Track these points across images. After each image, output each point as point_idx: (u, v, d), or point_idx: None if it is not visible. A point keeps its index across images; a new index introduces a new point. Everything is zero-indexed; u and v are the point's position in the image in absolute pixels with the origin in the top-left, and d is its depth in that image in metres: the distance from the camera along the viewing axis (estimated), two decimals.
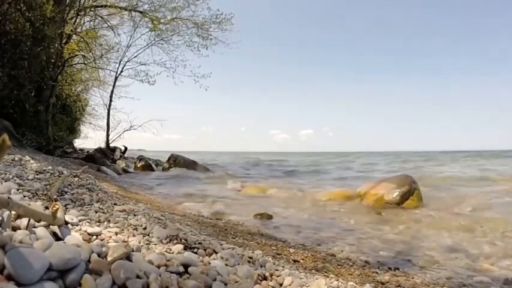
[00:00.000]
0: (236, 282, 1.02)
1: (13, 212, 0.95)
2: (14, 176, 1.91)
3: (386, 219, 3.76)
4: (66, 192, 1.83)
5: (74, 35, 10.14)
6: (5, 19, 6.26)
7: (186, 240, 1.36)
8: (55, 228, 1.04)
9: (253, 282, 1.08)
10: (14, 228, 0.93)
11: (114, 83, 13.11)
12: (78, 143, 15.63)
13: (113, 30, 11.21)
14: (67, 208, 1.52)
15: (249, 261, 1.36)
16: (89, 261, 0.82)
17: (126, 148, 13.40)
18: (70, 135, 13.42)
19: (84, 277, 0.72)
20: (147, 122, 13.19)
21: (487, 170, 10.93)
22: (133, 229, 1.39)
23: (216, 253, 1.33)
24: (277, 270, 1.33)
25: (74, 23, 9.84)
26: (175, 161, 10.35)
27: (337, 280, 1.44)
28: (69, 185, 2.08)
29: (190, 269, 0.98)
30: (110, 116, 13.05)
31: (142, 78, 12.53)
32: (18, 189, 1.60)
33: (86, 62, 11.40)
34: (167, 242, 1.32)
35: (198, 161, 11.45)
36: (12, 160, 2.67)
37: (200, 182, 7.62)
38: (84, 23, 10.95)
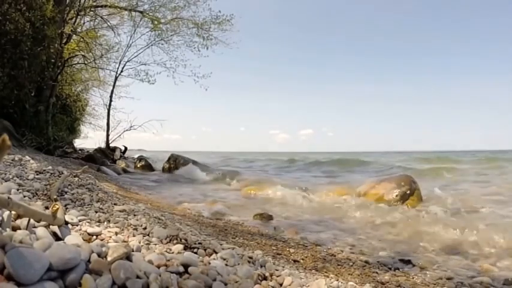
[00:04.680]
0: (236, 282, 1.02)
1: (13, 212, 0.95)
2: (14, 176, 1.91)
3: (386, 219, 3.75)
4: (66, 192, 1.83)
5: (74, 35, 10.12)
6: (5, 19, 6.26)
7: (186, 240, 1.36)
8: (55, 228, 1.04)
9: (253, 282, 1.08)
10: (14, 228, 0.93)
11: (114, 82, 13.12)
12: (78, 143, 15.63)
13: (113, 30, 11.20)
14: (67, 208, 1.52)
15: (249, 261, 1.36)
16: (89, 261, 0.82)
17: (126, 148, 13.40)
18: (70, 135, 13.40)
19: (84, 277, 0.73)
20: (147, 122, 13.19)
21: (488, 169, 10.91)
22: (134, 229, 1.39)
23: (216, 253, 1.33)
24: (277, 270, 1.33)
25: (74, 23, 9.83)
26: (176, 161, 10.34)
27: (337, 280, 1.44)
28: (69, 185, 2.08)
29: (190, 269, 0.98)
30: (110, 116, 13.05)
31: (142, 78, 12.54)
32: (18, 189, 1.60)
33: (86, 62, 11.38)
34: (167, 242, 1.32)
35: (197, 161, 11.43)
36: (12, 160, 2.67)
37: (200, 182, 7.62)
38: (84, 23, 10.95)
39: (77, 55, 10.92)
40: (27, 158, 2.97)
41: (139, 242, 1.21)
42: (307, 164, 15.49)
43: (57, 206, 1.05)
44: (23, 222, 0.97)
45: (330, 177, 9.65)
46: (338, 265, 2.01)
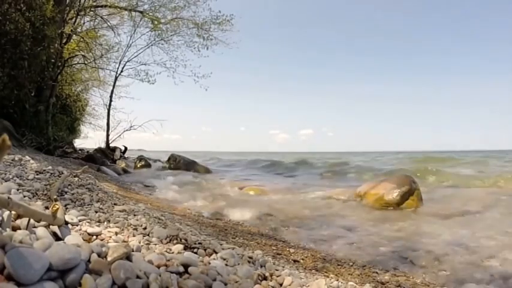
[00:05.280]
0: (236, 282, 1.02)
1: (13, 212, 0.95)
2: (14, 176, 1.91)
3: (386, 219, 3.76)
4: (66, 192, 1.83)
5: (74, 35, 10.11)
6: (5, 19, 6.26)
7: (186, 240, 1.36)
8: (55, 228, 1.04)
9: (253, 282, 1.08)
10: (14, 228, 0.93)
11: (114, 82, 13.10)
12: (78, 143, 15.60)
13: (113, 30, 11.18)
14: (67, 208, 1.52)
15: (249, 261, 1.36)
16: (89, 261, 0.82)
17: (126, 148, 13.40)
18: (70, 135, 13.38)
19: (84, 277, 0.73)
20: (147, 122, 13.18)
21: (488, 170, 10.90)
22: (134, 229, 1.39)
23: (216, 253, 1.33)
24: (277, 270, 1.33)
25: (74, 23, 9.82)
26: (176, 161, 10.35)
27: (337, 280, 1.44)
28: (69, 185, 2.08)
29: (190, 269, 0.98)
30: (110, 116, 13.03)
31: (142, 78, 12.53)
32: (18, 189, 1.60)
33: (86, 62, 11.36)
34: (167, 242, 1.32)
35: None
36: (12, 160, 2.67)
37: (199, 182, 7.62)
38: (84, 23, 10.93)
39: (77, 55, 10.90)
40: (27, 158, 2.97)
41: (140, 242, 1.21)
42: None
43: (57, 206, 1.05)
44: (23, 222, 0.97)
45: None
46: (338, 265, 2.01)
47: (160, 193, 5.12)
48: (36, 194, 1.64)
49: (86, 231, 1.18)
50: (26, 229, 0.93)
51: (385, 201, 4.53)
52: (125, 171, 8.74)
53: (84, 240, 1.06)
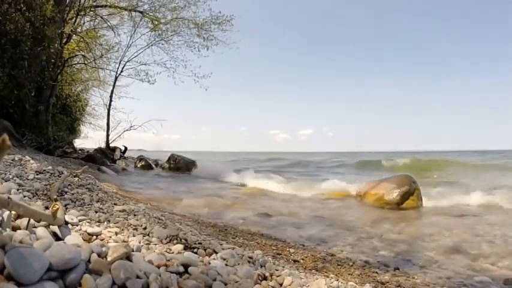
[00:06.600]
0: (236, 282, 1.02)
1: (13, 212, 0.95)
2: (14, 176, 1.91)
3: (386, 219, 3.76)
4: (66, 192, 1.83)
5: (74, 35, 10.11)
6: (5, 19, 6.26)
7: (186, 240, 1.36)
8: (55, 228, 1.04)
9: (253, 282, 1.08)
10: (14, 228, 0.93)
11: (114, 83, 13.07)
12: (78, 143, 15.56)
13: (113, 30, 11.18)
14: (67, 208, 1.53)
15: (249, 261, 1.36)
16: (89, 261, 0.82)
17: (126, 148, 13.37)
18: (70, 135, 13.37)
19: (84, 277, 0.73)
20: (147, 122, 13.15)
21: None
22: (134, 229, 1.39)
23: (216, 253, 1.33)
24: (277, 270, 1.33)
25: (74, 23, 9.81)
26: (175, 161, 10.36)
27: (337, 280, 1.45)
28: (69, 185, 2.08)
29: (190, 269, 0.98)
30: (110, 116, 12.98)
31: (142, 78, 12.50)
32: (18, 189, 1.60)
33: (86, 62, 11.35)
34: (167, 242, 1.32)
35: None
36: (12, 160, 2.67)
37: (200, 182, 7.62)
38: (84, 23, 10.93)
39: (77, 55, 10.90)
40: (27, 158, 2.97)
41: (139, 242, 1.21)
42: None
43: (57, 206, 1.05)
44: (23, 222, 0.97)
45: None
46: (338, 265, 2.01)
47: None
48: (36, 194, 1.64)
49: (86, 231, 1.18)
50: (26, 229, 0.93)
51: (385, 201, 4.53)
52: (125, 171, 8.74)
53: (84, 240, 1.06)
